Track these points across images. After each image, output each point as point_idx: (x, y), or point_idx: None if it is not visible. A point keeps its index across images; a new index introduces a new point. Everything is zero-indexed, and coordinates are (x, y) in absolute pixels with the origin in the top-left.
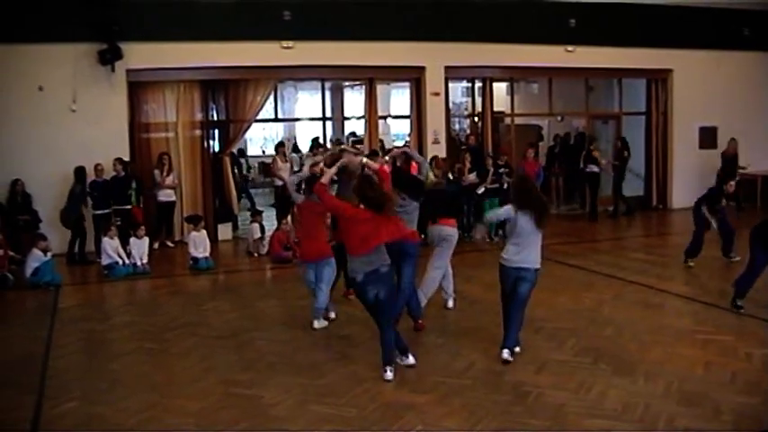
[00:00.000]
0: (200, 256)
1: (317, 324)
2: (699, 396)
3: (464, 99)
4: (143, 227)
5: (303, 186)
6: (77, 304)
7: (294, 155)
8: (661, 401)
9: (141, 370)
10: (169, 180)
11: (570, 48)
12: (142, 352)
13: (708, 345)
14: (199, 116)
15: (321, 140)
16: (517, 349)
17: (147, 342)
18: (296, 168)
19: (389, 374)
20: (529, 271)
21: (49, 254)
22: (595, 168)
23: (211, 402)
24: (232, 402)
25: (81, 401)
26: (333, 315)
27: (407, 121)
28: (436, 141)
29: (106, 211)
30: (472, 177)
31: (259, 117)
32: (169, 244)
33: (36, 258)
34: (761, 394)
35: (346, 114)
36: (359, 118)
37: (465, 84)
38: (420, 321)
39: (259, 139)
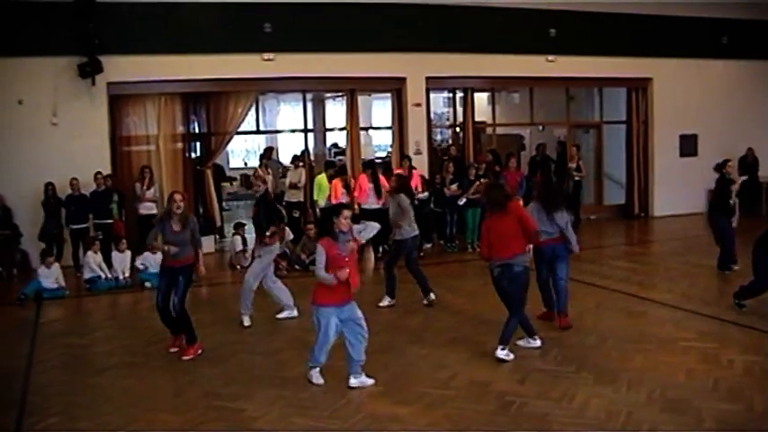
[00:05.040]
0: None
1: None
2: (681, 403)
3: (445, 109)
4: (125, 240)
5: None
6: (59, 319)
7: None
8: (644, 409)
9: (123, 384)
10: (150, 193)
11: (551, 57)
12: (124, 366)
13: (690, 352)
14: (180, 129)
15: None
16: None
17: (129, 356)
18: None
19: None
20: None
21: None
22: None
23: (194, 416)
24: (215, 416)
25: (63, 417)
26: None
27: (389, 132)
28: (418, 152)
29: (83, 225)
30: (454, 188)
31: (241, 129)
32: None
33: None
34: (743, 401)
35: (328, 126)
36: (341, 129)
37: (446, 94)
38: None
39: (241, 152)
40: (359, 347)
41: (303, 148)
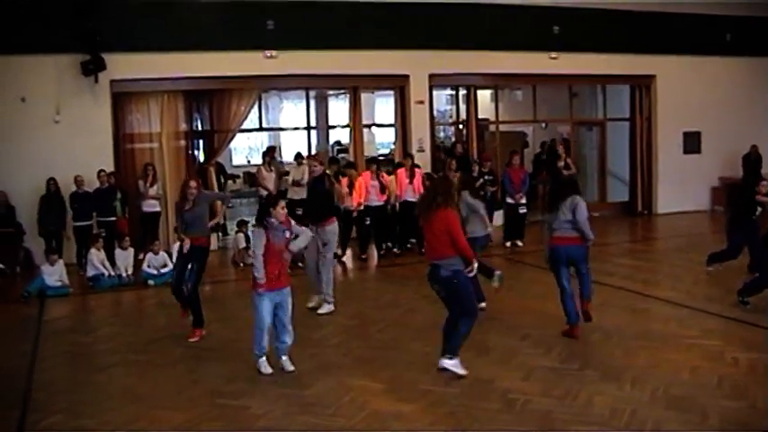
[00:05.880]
0: None
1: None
2: (685, 401)
3: (448, 107)
4: (128, 238)
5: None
6: (62, 316)
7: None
8: (648, 407)
9: (127, 382)
10: (153, 191)
11: (554, 55)
12: (127, 364)
13: (694, 349)
14: (183, 126)
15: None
16: None
17: (132, 354)
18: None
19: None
20: None
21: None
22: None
23: (197, 414)
24: (218, 413)
25: (66, 414)
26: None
27: (392, 129)
28: (421, 149)
29: (87, 222)
30: None
31: (243, 126)
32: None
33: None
34: (747, 398)
35: (331, 123)
36: (343, 127)
37: (449, 91)
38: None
39: (244, 149)
40: (283, 333)
41: (306, 149)
